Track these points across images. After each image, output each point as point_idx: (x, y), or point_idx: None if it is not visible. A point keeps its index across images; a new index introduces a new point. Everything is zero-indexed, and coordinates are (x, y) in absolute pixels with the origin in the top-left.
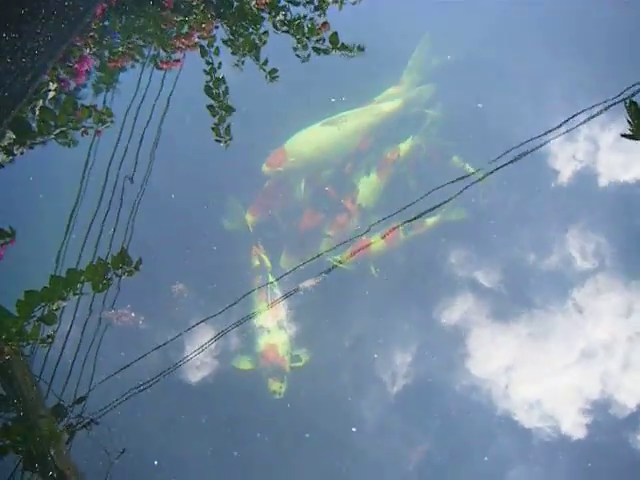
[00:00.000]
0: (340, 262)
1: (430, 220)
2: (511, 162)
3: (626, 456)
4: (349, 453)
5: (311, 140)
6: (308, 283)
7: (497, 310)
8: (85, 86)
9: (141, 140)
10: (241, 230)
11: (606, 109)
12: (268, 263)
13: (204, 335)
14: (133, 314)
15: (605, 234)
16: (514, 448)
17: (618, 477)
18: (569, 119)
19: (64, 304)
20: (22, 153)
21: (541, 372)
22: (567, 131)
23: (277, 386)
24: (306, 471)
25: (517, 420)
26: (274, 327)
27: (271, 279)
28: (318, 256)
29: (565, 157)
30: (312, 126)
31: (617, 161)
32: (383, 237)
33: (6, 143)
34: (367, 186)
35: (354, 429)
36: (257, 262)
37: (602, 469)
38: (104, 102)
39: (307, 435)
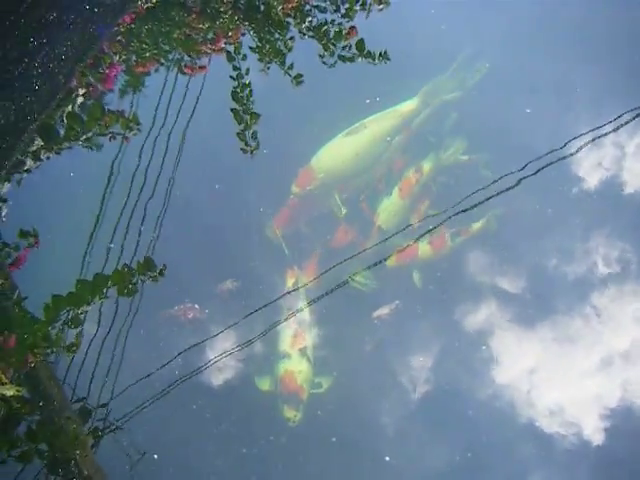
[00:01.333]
0: (352, 278)
1: (476, 225)
2: (536, 173)
3: None
4: (370, 458)
5: (336, 154)
6: (383, 311)
7: (521, 316)
8: (111, 90)
9: (167, 144)
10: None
11: (634, 118)
12: (302, 287)
13: (226, 343)
14: (197, 306)
15: (630, 241)
16: (536, 454)
17: None
18: (595, 129)
19: (89, 308)
20: (48, 158)
21: (564, 378)
22: (593, 140)
23: (292, 414)
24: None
25: (539, 426)
26: (296, 354)
27: (302, 301)
28: (332, 267)
29: (590, 164)
30: (335, 139)
31: None
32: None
33: (34, 148)
34: (390, 203)
35: (387, 458)
36: (291, 284)
37: (623, 476)
38: (131, 106)
39: (333, 439)
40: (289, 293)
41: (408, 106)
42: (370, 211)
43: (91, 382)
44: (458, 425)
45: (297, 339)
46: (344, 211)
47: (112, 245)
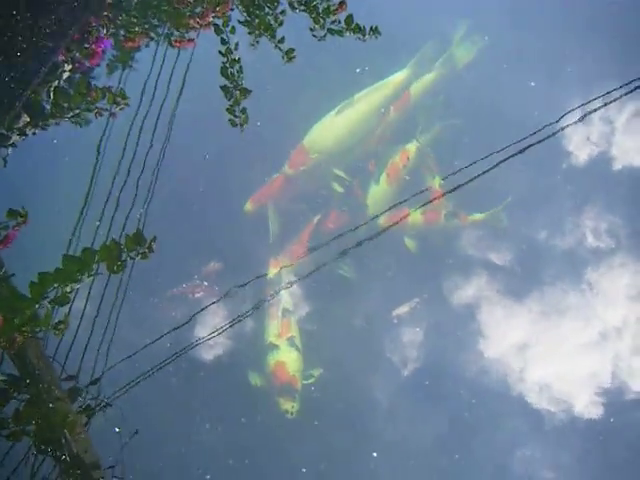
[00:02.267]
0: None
1: (478, 216)
2: (523, 150)
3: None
4: (360, 435)
5: (329, 132)
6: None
7: (511, 290)
8: (99, 65)
9: (157, 120)
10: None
11: (627, 94)
12: (285, 276)
13: (217, 317)
14: (206, 284)
15: (620, 215)
16: (526, 429)
17: (629, 459)
18: (585, 104)
19: (78, 286)
20: (34, 133)
21: (554, 352)
22: (583, 117)
23: (289, 405)
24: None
25: (529, 401)
26: (285, 344)
27: (285, 299)
28: (309, 252)
29: (580, 138)
30: (326, 117)
31: (633, 141)
32: (393, 224)
33: (20, 125)
34: (378, 189)
35: (375, 454)
36: (273, 273)
37: (613, 451)
38: (119, 81)
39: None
40: (281, 269)
41: (399, 77)
42: (363, 195)
43: (82, 359)
44: (447, 400)
45: (284, 329)
46: (344, 186)
47: (98, 222)
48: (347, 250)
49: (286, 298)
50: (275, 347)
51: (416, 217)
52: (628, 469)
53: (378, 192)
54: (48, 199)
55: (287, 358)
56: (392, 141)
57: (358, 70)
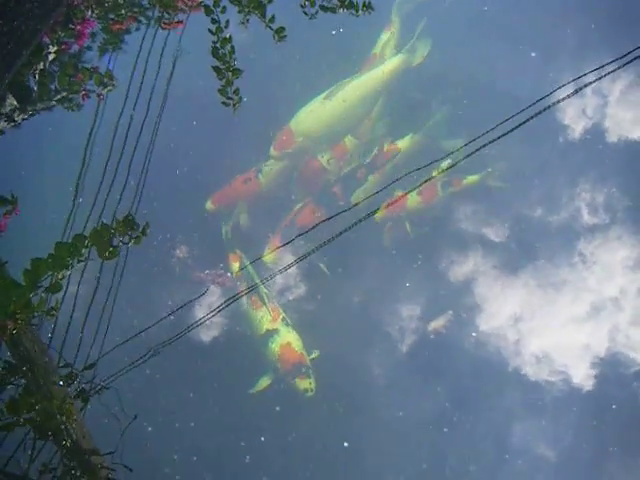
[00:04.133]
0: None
1: (471, 178)
2: (519, 126)
3: (635, 408)
4: (359, 410)
5: (315, 117)
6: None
7: (509, 265)
8: (90, 49)
9: (148, 103)
10: None
11: (618, 68)
12: (251, 269)
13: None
14: (229, 274)
15: (615, 188)
16: (523, 401)
17: (626, 429)
18: (578, 77)
19: (69, 272)
20: (23, 119)
21: (550, 325)
22: (577, 90)
23: (307, 383)
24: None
25: (526, 373)
26: (283, 326)
27: (256, 279)
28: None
29: (574, 111)
30: (315, 100)
31: (627, 114)
32: (388, 205)
33: (8, 110)
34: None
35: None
36: (237, 267)
37: (610, 420)
38: (108, 64)
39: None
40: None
41: (394, 62)
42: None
43: (79, 345)
44: (446, 374)
45: (274, 312)
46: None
47: (80, 199)
48: (343, 232)
49: (261, 286)
50: (274, 331)
51: (414, 199)
52: (623, 436)
53: (365, 188)
54: (36, 185)
55: (290, 338)
56: (385, 132)
57: (334, 32)
